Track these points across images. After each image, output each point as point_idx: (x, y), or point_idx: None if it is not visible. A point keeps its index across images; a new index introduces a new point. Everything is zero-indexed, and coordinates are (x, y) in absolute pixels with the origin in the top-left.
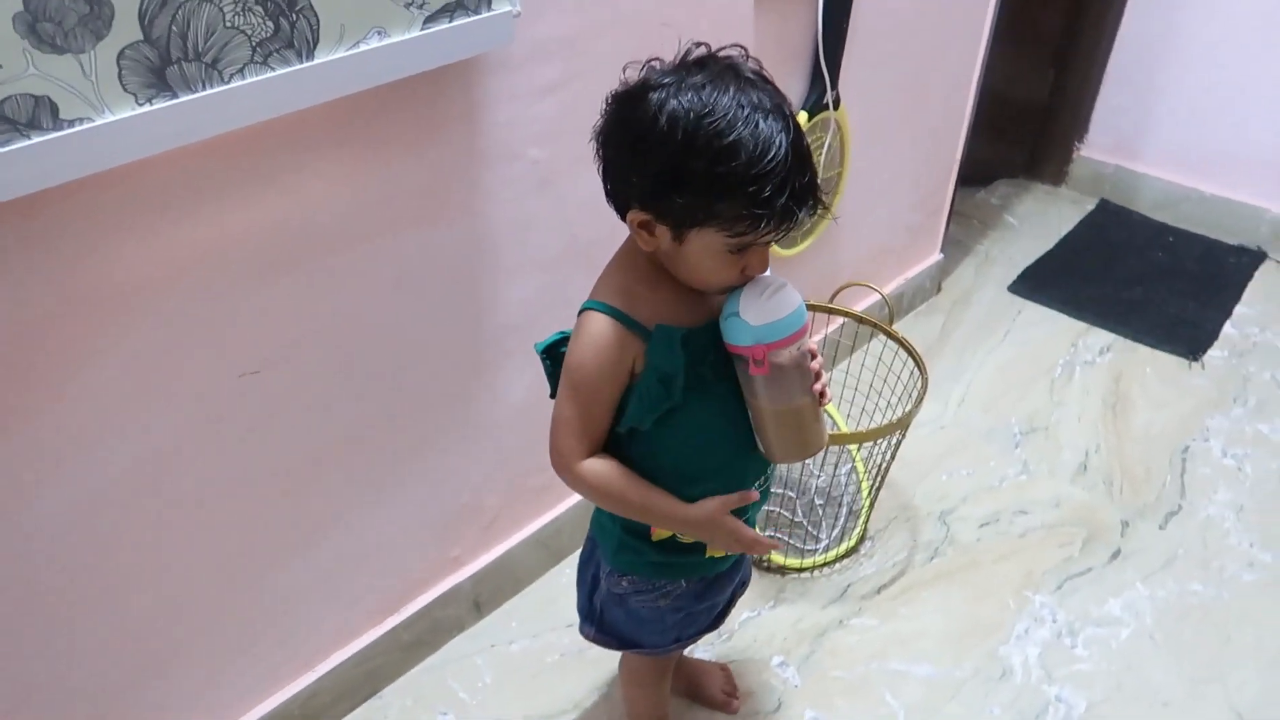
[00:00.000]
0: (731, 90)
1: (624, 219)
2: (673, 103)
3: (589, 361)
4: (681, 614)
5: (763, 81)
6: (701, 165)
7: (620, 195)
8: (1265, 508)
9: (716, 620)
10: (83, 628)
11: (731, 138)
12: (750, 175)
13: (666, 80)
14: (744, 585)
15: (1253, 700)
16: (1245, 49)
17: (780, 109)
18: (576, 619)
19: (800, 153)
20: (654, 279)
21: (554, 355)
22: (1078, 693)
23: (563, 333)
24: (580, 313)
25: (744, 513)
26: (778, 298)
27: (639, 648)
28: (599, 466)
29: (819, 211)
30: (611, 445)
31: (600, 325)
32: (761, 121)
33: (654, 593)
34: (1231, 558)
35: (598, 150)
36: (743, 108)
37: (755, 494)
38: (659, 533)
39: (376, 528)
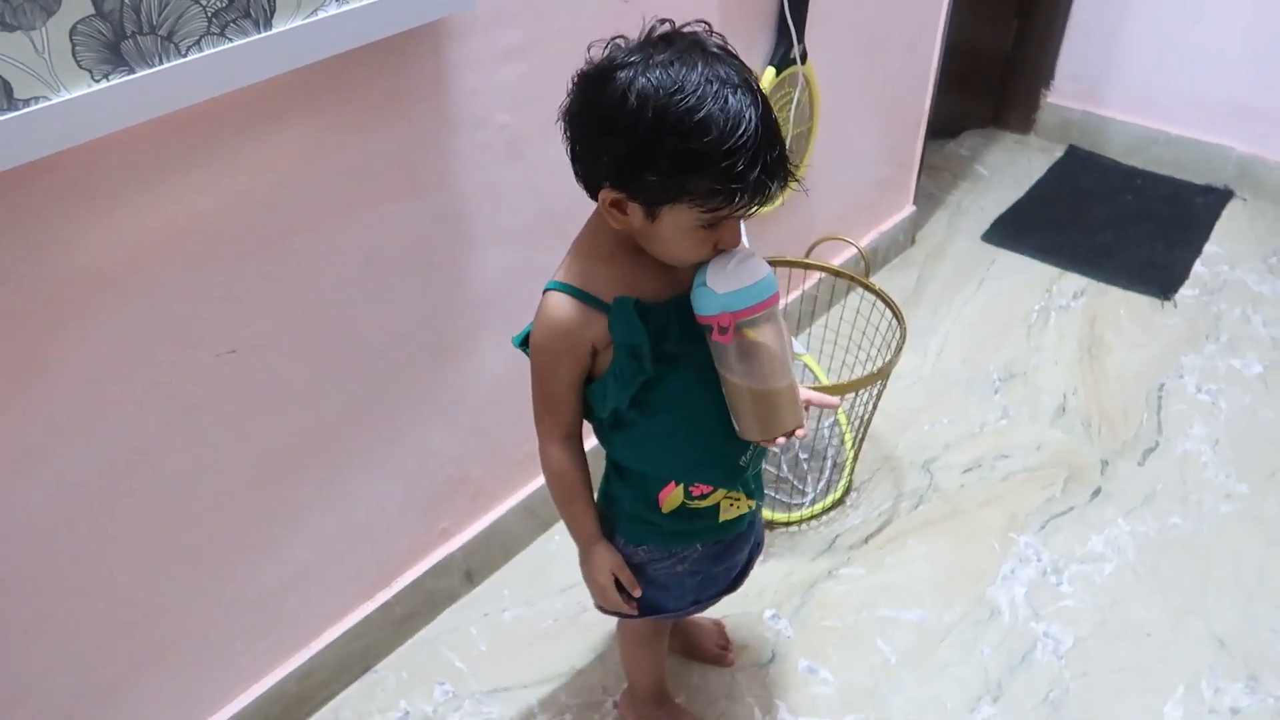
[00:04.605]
0: (699, 66)
1: (595, 199)
2: (641, 80)
3: (544, 340)
4: (699, 577)
5: (729, 56)
6: (673, 142)
7: (591, 175)
8: (1240, 441)
9: (736, 581)
10: (71, 623)
11: (702, 114)
12: (723, 150)
13: (633, 58)
14: (759, 546)
15: (1233, 628)
16: None
17: (748, 83)
18: (567, 585)
19: (770, 126)
20: (614, 256)
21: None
22: (1064, 629)
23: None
24: (543, 294)
25: (743, 469)
26: (744, 266)
27: (661, 612)
28: (562, 457)
29: (789, 184)
30: (602, 437)
31: (556, 303)
32: (731, 96)
33: (670, 559)
34: (1209, 491)
35: (565, 131)
36: (711, 83)
37: (634, 609)
38: (669, 503)
39: (363, 504)
